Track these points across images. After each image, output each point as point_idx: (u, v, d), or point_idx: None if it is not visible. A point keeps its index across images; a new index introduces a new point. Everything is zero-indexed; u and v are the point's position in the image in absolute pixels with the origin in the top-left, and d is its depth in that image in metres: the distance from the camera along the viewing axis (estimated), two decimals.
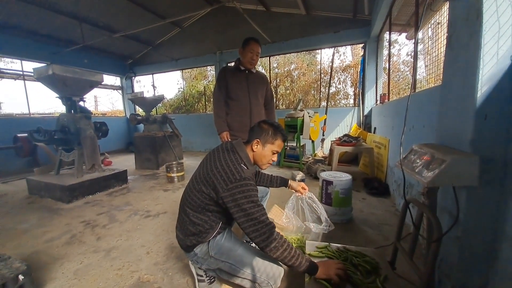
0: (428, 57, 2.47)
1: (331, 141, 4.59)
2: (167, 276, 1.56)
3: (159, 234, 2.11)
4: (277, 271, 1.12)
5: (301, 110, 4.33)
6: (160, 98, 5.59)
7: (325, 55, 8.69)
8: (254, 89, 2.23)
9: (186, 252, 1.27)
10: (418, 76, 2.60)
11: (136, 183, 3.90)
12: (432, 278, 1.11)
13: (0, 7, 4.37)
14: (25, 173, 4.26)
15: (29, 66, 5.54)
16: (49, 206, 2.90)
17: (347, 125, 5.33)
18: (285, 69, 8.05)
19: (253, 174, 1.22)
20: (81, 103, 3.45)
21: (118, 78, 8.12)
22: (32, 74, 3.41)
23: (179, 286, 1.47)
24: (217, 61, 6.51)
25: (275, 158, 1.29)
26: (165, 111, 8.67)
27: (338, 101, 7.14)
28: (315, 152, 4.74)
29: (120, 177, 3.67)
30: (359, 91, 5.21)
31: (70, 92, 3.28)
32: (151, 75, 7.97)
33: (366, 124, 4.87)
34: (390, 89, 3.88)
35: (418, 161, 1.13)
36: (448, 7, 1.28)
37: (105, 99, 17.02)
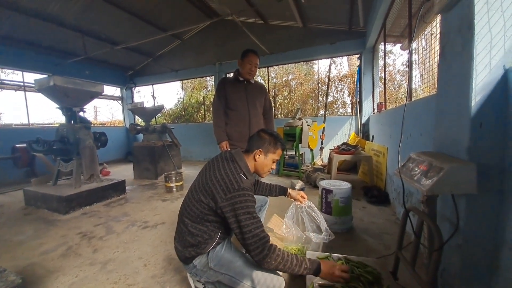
0: (423, 66, 2.52)
1: (330, 149, 4.60)
2: None
3: (157, 246, 2.07)
4: (278, 283, 1.10)
5: (300, 119, 4.37)
6: (159, 108, 5.64)
7: (322, 65, 8.90)
8: (252, 99, 2.25)
9: (185, 264, 1.24)
10: (413, 85, 2.65)
11: (134, 193, 3.86)
12: None
13: (4, 19, 4.47)
14: (22, 184, 4.22)
15: (31, 77, 5.60)
16: (45, 217, 2.85)
17: (345, 133, 5.37)
18: (283, 79, 8.19)
19: (252, 184, 1.22)
20: (81, 113, 3.48)
21: (118, 89, 8.21)
22: (33, 85, 3.45)
23: None
24: (216, 72, 6.61)
25: (274, 166, 1.34)
26: (164, 121, 8.71)
27: (336, 110, 7.23)
28: (314, 160, 4.74)
29: (118, 187, 3.64)
30: (356, 100, 5.28)
31: (71, 103, 3.31)
32: (151, 85, 8.06)
33: (364, 132, 4.91)
34: (387, 98, 3.94)
35: (416, 169, 1.14)
36: (440, 19, 1.32)
37: (105, 109, 17.03)
